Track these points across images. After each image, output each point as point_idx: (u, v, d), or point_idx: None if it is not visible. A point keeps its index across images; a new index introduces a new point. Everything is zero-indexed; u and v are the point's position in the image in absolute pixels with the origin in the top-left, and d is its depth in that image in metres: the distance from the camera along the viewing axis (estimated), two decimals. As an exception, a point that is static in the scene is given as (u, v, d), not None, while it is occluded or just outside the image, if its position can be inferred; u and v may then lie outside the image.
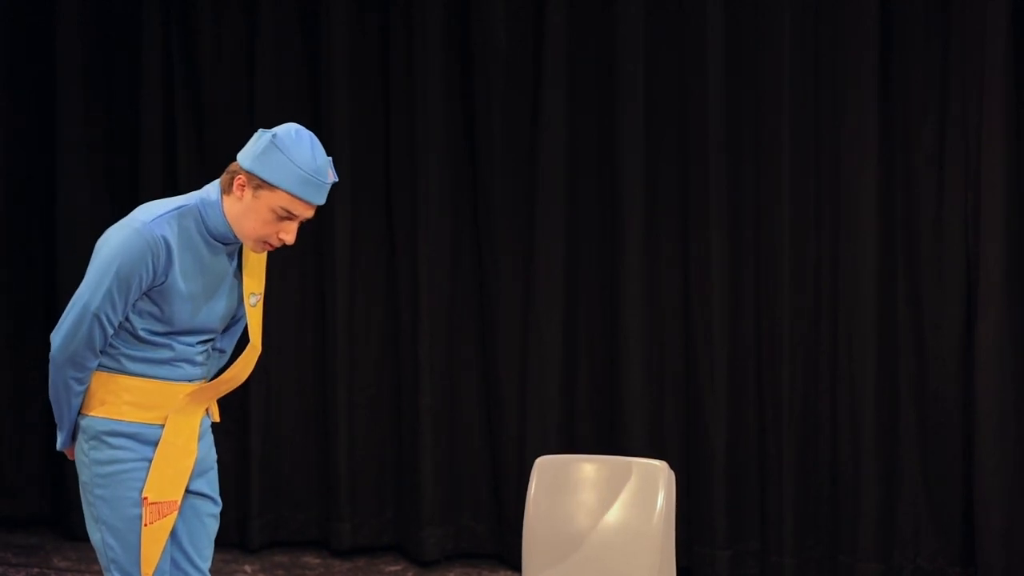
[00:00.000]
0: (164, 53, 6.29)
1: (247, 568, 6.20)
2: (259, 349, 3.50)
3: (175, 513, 3.40)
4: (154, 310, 3.33)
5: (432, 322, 6.15)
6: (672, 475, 3.75)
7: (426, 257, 6.13)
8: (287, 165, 3.24)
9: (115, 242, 3.30)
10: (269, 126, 3.40)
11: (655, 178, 5.86)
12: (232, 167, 3.34)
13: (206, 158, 6.32)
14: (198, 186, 3.52)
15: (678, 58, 5.80)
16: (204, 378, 3.50)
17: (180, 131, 6.32)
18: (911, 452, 5.54)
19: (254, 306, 3.47)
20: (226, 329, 3.58)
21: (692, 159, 5.78)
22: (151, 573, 3.36)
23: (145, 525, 3.37)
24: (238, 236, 3.34)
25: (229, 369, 3.51)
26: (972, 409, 5.40)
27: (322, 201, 3.30)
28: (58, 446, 3.54)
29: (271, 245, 3.34)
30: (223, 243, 3.37)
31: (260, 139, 3.29)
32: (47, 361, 3.42)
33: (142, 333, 3.35)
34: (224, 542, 6.39)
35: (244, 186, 3.29)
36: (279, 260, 6.36)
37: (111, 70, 6.45)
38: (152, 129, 6.33)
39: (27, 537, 6.63)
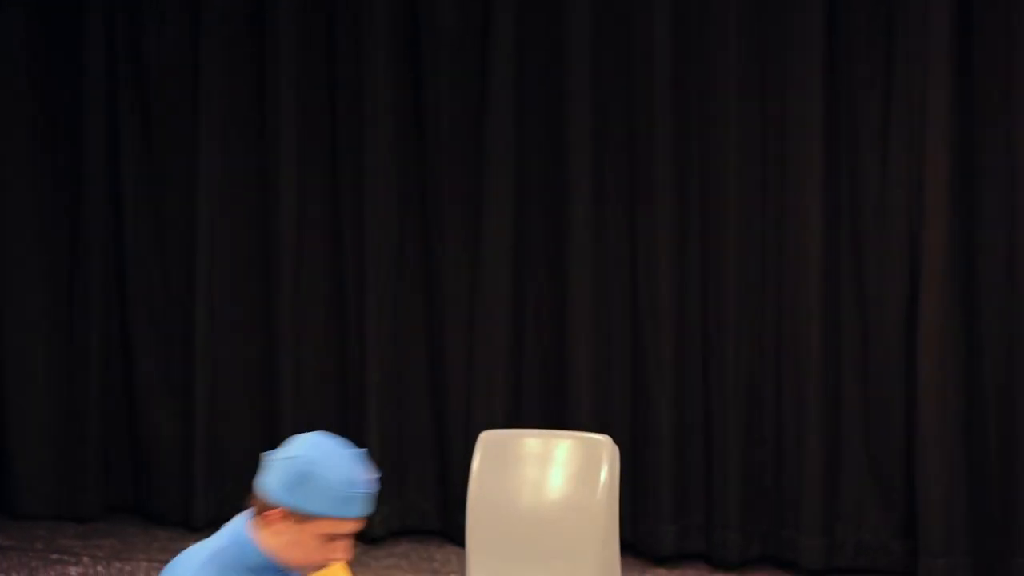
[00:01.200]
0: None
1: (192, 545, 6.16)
2: None
3: None
4: None
5: (378, 299, 6.13)
6: (616, 449, 3.75)
7: (372, 233, 6.10)
8: (327, 491, 2.87)
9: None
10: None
11: (602, 155, 5.85)
12: (259, 502, 2.92)
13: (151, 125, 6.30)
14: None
15: (625, 35, 5.79)
16: None
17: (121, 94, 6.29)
18: (854, 428, 5.57)
19: None
20: None
21: (639, 135, 5.78)
22: None
23: None
24: (287, 565, 2.93)
25: None
26: (914, 385, 5.43)
27: (371, 510, 2.95)
28: None
29: (323, 566, 2.93)
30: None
31: (286, 467, 2.90)
32: None
33: None
34: (169, 521, 6.37)
35: (284, 517, 2.88)
36: (222, 236, 6.32)
37: (52, 65, 6.41)
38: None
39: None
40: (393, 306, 6.16)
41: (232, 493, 6.38)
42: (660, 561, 5.76)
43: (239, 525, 2.99)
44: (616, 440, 3.90)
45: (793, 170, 5.59)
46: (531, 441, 3.82)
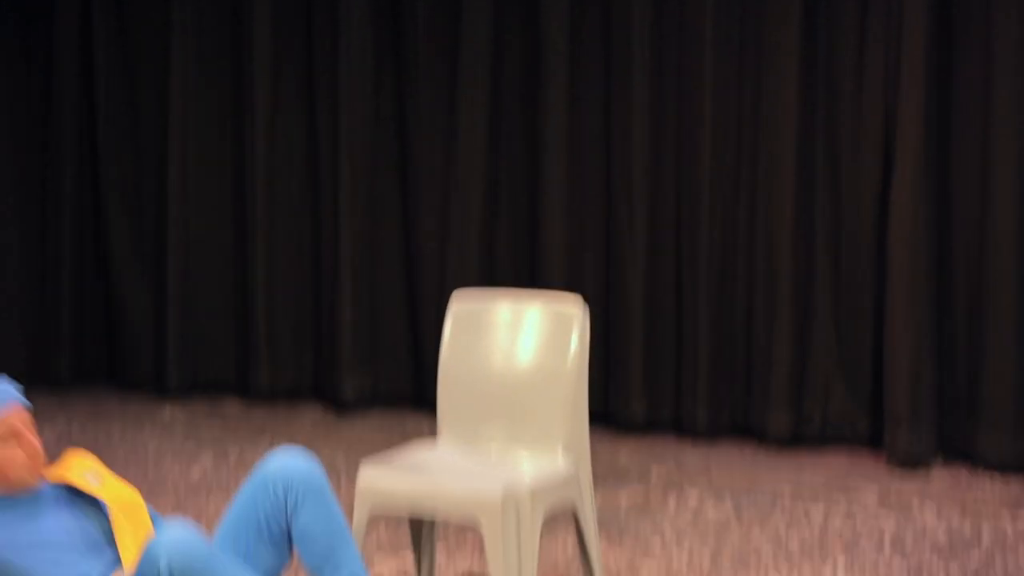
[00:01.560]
0: None
1: (167, 409, 6.23)
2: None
3: None
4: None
5: (352, 171, 6.13)
6: (586, 311, 3.78)
7: (346, 102, 6.08)
8: None
9: None
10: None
11: (580, 30, 5.82)
12: None
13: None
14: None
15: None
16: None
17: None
18: (824, 305, 5.62)
19: (95, 483, 3.28)
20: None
21: (616, 10, 5.75)
22: None
23: None
24: (15, 490, 3.17)
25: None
26: (883, 260, 5.47)
27: (10, 394, 3.14)
28: None
29: (34, 468, 3.16)
30: (19, 498, 3.19)
31: None
32: None
33: None
34: (142, 386, 6.41)
35: None
36: (194, 105, 6.29)
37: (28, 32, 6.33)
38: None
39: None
40: (368, 177, 6.16)
41: (204, 360, 6.43)
42: (629, 430, 5.84)
43: None
44: (589, 312, 3.93)
45: (769, 55, 5.56)
46: (503, 300, 3.84)
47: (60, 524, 3.30)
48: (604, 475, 5.23)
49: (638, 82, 5.71)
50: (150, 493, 4.96)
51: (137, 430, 5.86)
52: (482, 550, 4.39)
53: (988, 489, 5.15)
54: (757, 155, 5.63)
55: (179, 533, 3.08)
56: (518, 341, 3.82)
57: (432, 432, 5.41)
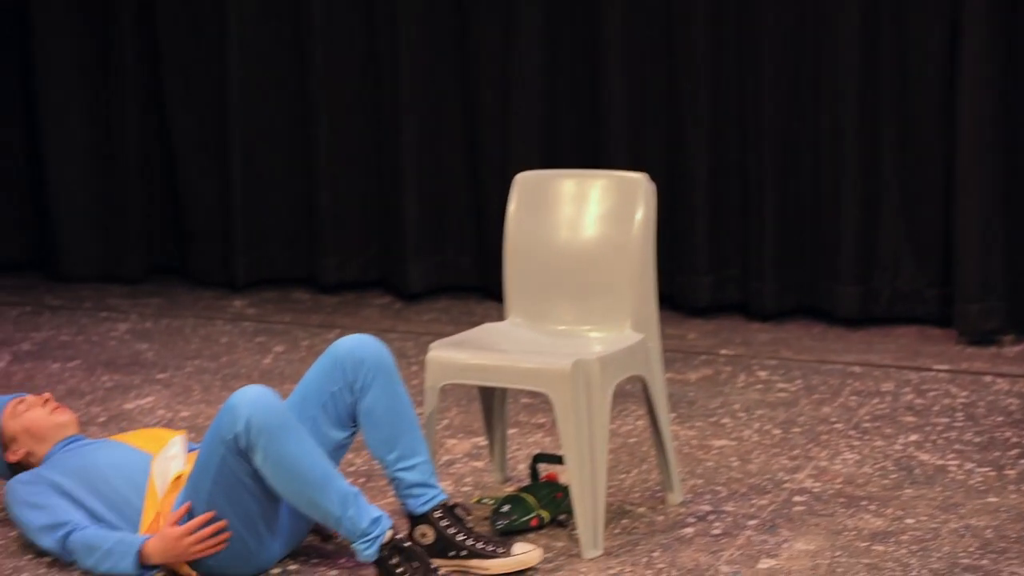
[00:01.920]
0: None
1: (236, 303, 6.29)
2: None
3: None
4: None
5: (412, 55, 6.11)
6: (652, 186, 3.77)
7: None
8: None
9: (12, 513, 3.52)
10: None
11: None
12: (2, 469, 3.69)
13: None
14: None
15: None
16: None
17: None
18: (892, 175, 5.56)
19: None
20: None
21: None
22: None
23: None
24: (58, 439, 3.62)
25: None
26: (953, 129, 5.40)
27: (4, 398, 3.68)
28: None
29: (54, 408, 3.65)
30: (79, 445, 3.62)
31: None
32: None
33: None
34: (210, 280, 6.48)
35: (15, 451, 3.62)
36: (262, 4, 6.29)
37: None
38: None
39: (17, 279, 6.70)
40: (429, 64, 6.14)
41: (271, 254, 6.48)
42: (696, 312, 5.84)
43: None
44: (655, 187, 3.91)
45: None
46: (567, 181, 3.84)
47: (109, 458, 3.52)
48: (672, 355, 5.25)
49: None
50: (224, 381, 5.04)
51: (209, 323, 5.93)
52: (553, 430, 4.43)
53: (1061, 360, 5.13)
54: (820, 20, 5.54)
55: (261, 391, 3.17)
56: (584, 216, 3.82)
57: (500, 315, 5.43)
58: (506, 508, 3.60)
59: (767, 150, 5.64)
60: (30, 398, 3.66)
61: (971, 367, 5.07)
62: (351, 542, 3.22)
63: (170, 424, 4.56)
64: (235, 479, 3.20)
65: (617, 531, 3.61)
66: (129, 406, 4.76)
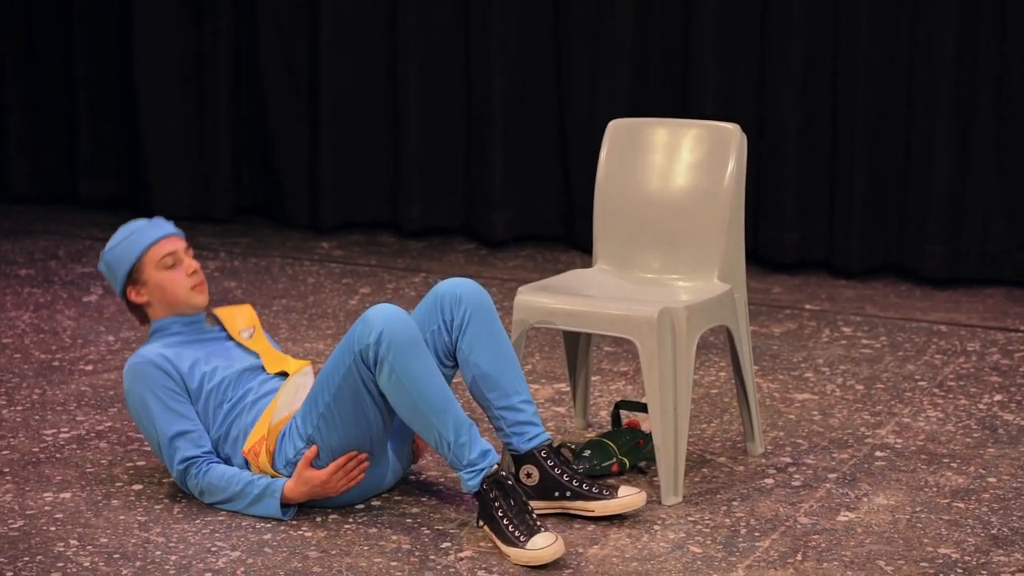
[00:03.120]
0: None
1: (324, 244, 6.36)
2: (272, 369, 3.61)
3: (264, 444, 3.45)
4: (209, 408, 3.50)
5: (502, 1, 6.12)
6: (744, 137, 3.76)
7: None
8: (121, 248, 3.53)
9: (128, 384, 3.48)
10: None
11: None
12: (127, 308, 3.62)
13: None
14: None
15: None
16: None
17: None
18: (985, 135, 5.50)
19: (249, 338, 3.63)
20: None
21: None
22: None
23: (255, 469, 3.48)
24: (186, 311, 3.56)
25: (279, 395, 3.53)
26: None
27: (166, 229, 3.55)
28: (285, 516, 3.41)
29: (197, 284, 3.55)
30: (197, 327, 3.58)
31: (102, 270, 3.59)
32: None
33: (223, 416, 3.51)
34: (297, 223, 6.56)
35: (138, 293, 3.54)
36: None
37: None
38: None
39: (111, 216, 6.81)
40: (517, 8, 6.14)
41: (357, 198, 6.53)
42: (781, 267, 5.83)
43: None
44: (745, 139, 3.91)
45: None
46: (659, 130, 3.84)
47: (225, 350, 3.57)
48: (756, 308, 5.25)
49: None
50: (311, 320, 5.10)
51: (296, 264, 6.00)
52: (635, 379, 4.45)
53: None
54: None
55: (396, 310, 3.24)
56: (675, 164, 3.82)
57: (585, 264, 5.46)
58: (587, 453, 3.63)
59: (858, 106, 5.60)
60: (181, 252, 3.54)
61: (1059, 330, 5.02)
62: (457, 470, 3.24)
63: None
64: (357, 391, 3.26)
65: (697, 479, 3.63)
66: (218, 342, 4.83)
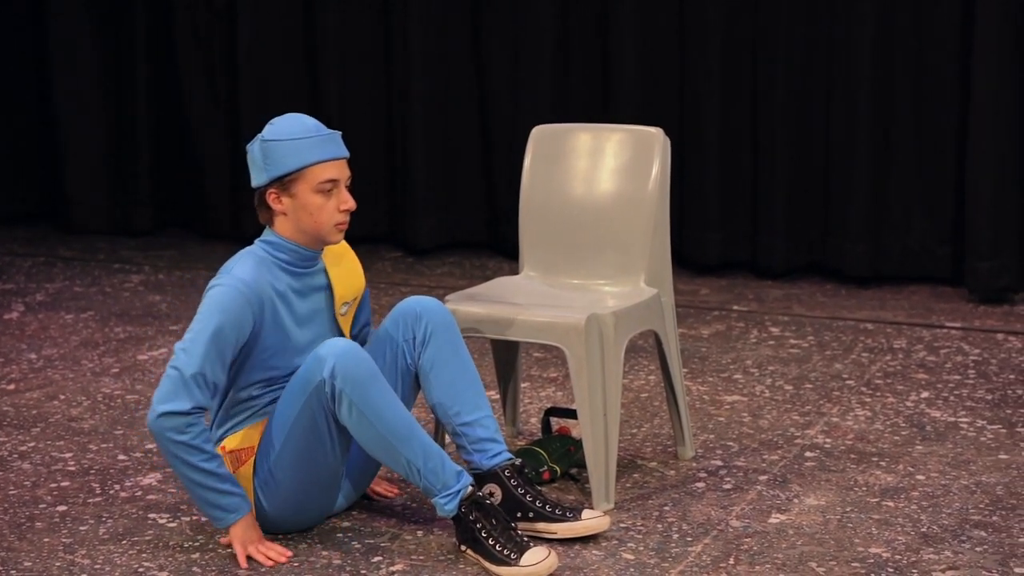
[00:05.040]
0: None
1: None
2: None
3: (251, 459, 3.26)
4: (259, 369, 3.23)
5: (422, 8, 6.09)
6: (667, 141, 3.76)
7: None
8: (290, 146, 3.18)
9: (208, 302, 3.15)
10: None
11: None
12: (257, 198, 3.24)
13: None
14: None
15: None
16: None
17: None
18: (904, 132, 5.55)
19: (344, 315, 3.37)
20: None
21: None
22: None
23: (232, 472, 3.27)
24: (311, 243, 3.24)
25: None
26: (967, 86, 5.39)
27: (343, 151, 3.22)
28: (219, 524, 3.21)
29: (342, 224, 3.23)
30: (307, 266, 3.27)
31: (253, 151, 3.22)
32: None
33: (242, 395, 3.26)
34: (221, 235, 6.49)
35: (278, 197, 3.20)
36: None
37: None
38: None
39: (30, 230, 6.72)
40: (439, 14, 6.12)
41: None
42: (707, 269, 5.85)
43: (262, 236, 3.30)
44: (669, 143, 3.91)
45: None
46: (583, 135, 3.83)
47: (312, 311, 3.32)
48: (684, 311, 5.26)
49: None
50: (237, 334, 5.05)
51: (221, 276, 5.94)
52: (565, 384, 4.44)
53: (1072, 319, 5.13)
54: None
55: (348, 345, 3.14)
56: (599, 169, 3.82)
57: (512, 270, 5.45)
58: (518, 461, 3.61)
59: (778, 107, 5.63)
60: (343, 182, 3.22)
61: (983, 324, 5.07)
62: (431, 496, 3.16)
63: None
64: (313, 428, 3.16)
65: (628, 485, 3.62)
66: (143, 357, 4.78)
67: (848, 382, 4.45)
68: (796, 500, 3.51)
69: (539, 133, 3.90)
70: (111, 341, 4.97)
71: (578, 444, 3.67)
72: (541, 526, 3.28)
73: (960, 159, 5.46)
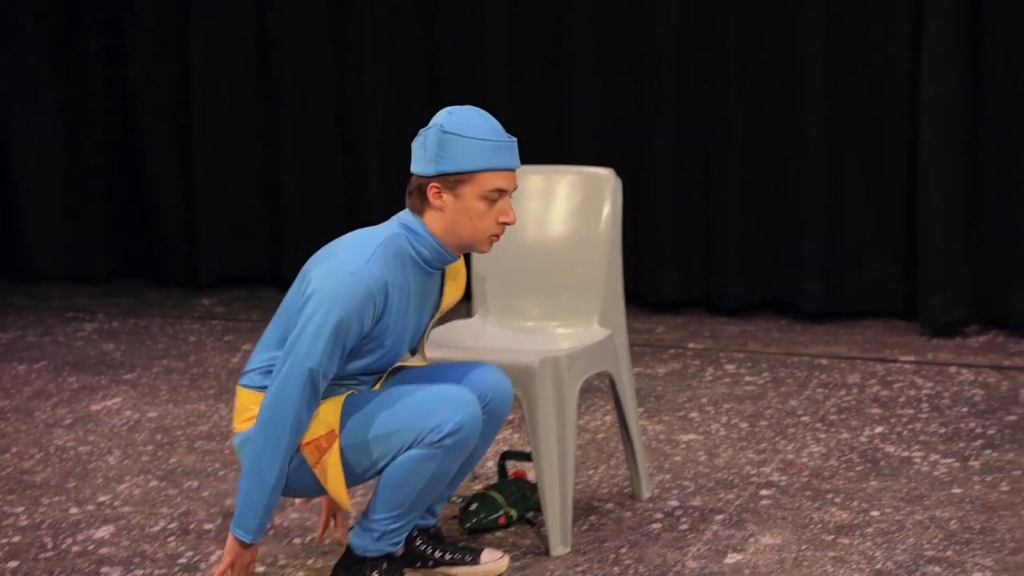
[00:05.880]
0: None
1: (205, 302, 6.28)
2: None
3: (336, 443, 3.02)
4: (360, 355, 3.05)
5: (374, 49, 6.10)
6: (619, 182, 3.78)
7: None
8: (472, 145, 2.99)
9: (330, 289, 2.94)
10: None
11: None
12: (415, 184, 3.05)
13: None
14: None
15: None
16: None
17: None
18: (856, 169, 5.59)
19: (428, 329, 3.23)
20: None
21: None
22: (350, 505, 3.08)
23: (313, 466, 3.04)
24: (457, 248, 3.06)
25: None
26: (916, 125, 5.43)
27: (518, 162, 3.05)
28: (250, 540, 3.00)
29: (496, 235, 3.06)
30: (440, 267, 3.10)
31: (428, 139, 3.02)
32: None
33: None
34: (178, 280, 6.46)
35: (440, 192, 3.01)
36: (226, 4, 6.28)
37: None
38: None
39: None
40: (392, 55, 6.13)
41: (236, 253, 6.46)
42: (663, 307, 5.86)
43: (404, 216, 3.09)
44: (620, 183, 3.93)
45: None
46: (534, 177, 3.85)
47: (415, 319, 3.14)
48: (640, 349, 5.27)
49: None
50: (192, 381, 5.02)
51: (177, 323, 5.92)
52: (521, 426, 4.44)
53: (1023, 352, 5.17)
54: (786, 17, 5.56)
55: (478, 411, 3.02)
56: (551, 211, 3.83)
57: (467, 315, 5.43)
58: (474, 506, 3.60)
59: (731, 143, 5.67)
60: (508, 193, 3.02)
61: (936, 358, 5.10)
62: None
63: (136, 425, 4.54)
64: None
65: (585, 528, 3.62)
66: (96, 407, 4.74)
67: (803, 418, 4.46)
68: (752, 539, 3.51)
69: (490, 176, 3.90)
70: (64, 391, 4.93)
71: (534, 487, 3.67)
72: (441, 570, 3.30)
73: (911, 194, 5.51)
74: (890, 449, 4.16)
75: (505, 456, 3.82)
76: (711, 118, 5.71)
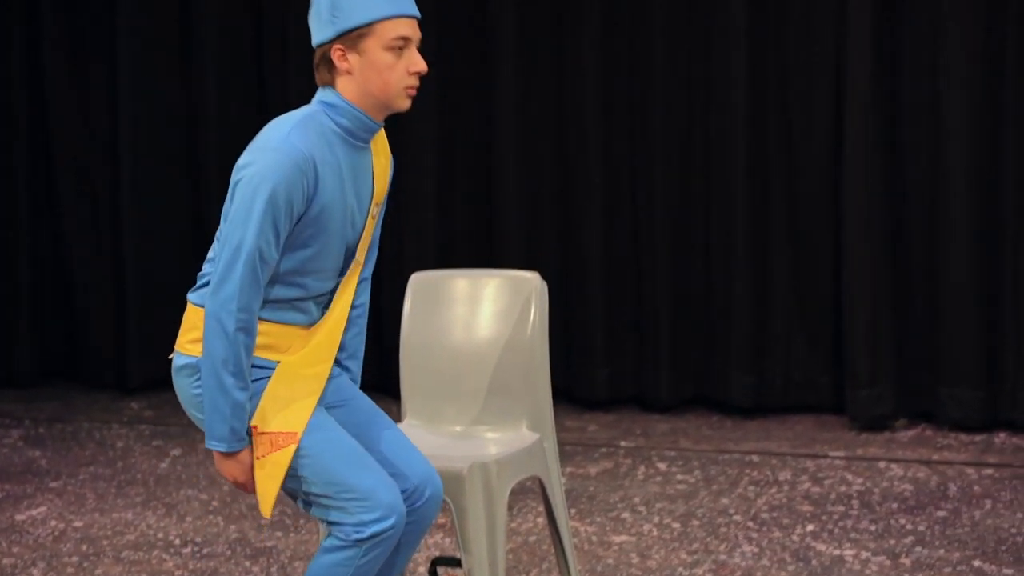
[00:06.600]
0: None
1: (133, 405, 6.21)
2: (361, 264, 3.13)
3: (292, 447, 2.93)
4: (304, 243, 2.95)
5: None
6: (544, 285, 3.80)
7: (298, 86, 6.08)
8: None
9: (259, 167, 2.86)
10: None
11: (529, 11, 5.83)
12: (319, 56, 2.98)
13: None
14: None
15: None
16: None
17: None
18: (781, 265, 5.65)
19: (374, 218, 3.10)
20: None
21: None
22: (269, 511, 2.97)
23: (257, 458, 2.95)
24: (375, 110, 2.98)
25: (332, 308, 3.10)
26: (840, 223, 5.51)
27: (416, 10, 2.97)
28: (225, 448, 2.94)
29: (412, 88, 2.99)
30: (365, 136, 3.01)
31: (319, 4, 2.97)
32: None
33: (280, 271, 2.97)
34: (105, 382, 6.39)
35: (344, 54, 2.95)
36: (145, 102, 6.27)
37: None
38: None
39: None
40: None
41: (166, 354, 6.39)
42: (595, 405, 5.87)
43: (317, 94, 3.03)
44: (547, 288, 3.95)
45: (720, 12, 5.59)
46: (461, 281, 3.86)
47: (354, 197, 3.04)
48: (572, 448, 5.26)
49: (587, 43, 5.71)
50: (120, 487, 4.95)
51: (104, 427, 5.85)
52: (453, 530, 4.41)
53: (951, 445, 5.21)
54: (708, 124, 5.65)
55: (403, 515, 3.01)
56: (478, 315, 3.83)
57: (398, 413, 5.41)
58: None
59: (658, 243, 5.71)
60: (414, 42, 2.95)
61: (866, 453, 5.13)
62: None
63: (62, 535, 4.46)
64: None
65: (517, 633, 3.59)
66: (20, 517, 4.66)
67: (735, 517, 4.46)
68: (685, 643, 3.50)
69: (417, 280, 3.91)
70: (-12, 501, 4.85)
71: (465, 594, 3.64)
72: None
73: (836, 289, 5.57)
74: (821, 547, 4.16)
75: (436, 562, 3.79)
76: (638, 217, 5.76)
